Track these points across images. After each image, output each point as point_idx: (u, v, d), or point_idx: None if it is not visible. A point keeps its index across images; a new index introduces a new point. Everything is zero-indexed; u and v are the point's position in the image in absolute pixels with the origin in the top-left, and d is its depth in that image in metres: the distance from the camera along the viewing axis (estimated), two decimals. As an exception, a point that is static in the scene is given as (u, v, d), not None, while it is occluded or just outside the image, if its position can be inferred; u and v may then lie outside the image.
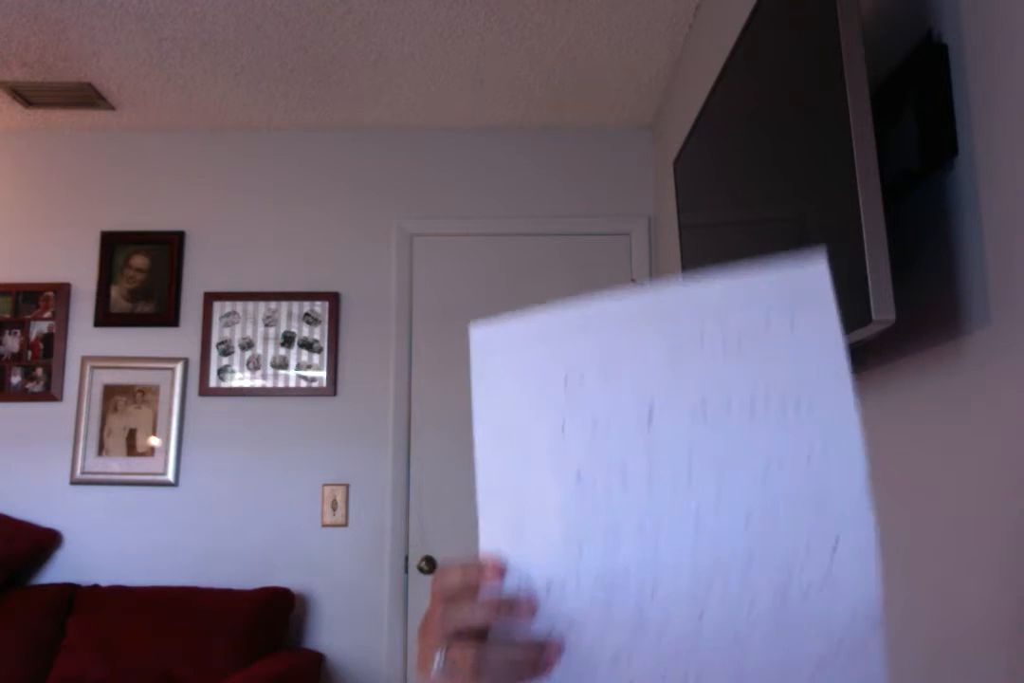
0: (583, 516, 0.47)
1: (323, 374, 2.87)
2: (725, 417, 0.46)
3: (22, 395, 2.89)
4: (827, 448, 0.46)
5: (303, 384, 2.87)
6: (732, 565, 0.46)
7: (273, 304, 2.92)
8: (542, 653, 0.48)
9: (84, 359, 2.91)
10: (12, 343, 2.93)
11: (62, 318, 2.93)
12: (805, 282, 0.46)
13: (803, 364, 0.46)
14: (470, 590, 0.49)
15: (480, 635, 0.49)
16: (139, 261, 2.98)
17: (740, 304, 0.47)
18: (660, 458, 0.47)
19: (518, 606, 0.48)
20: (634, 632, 0.47)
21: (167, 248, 2.97)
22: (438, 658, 0.48)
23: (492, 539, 0.49)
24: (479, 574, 0.48)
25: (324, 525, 2.79)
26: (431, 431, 2.83)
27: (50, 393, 2.88)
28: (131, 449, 2.85)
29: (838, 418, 0.45)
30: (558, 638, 0.48)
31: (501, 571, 0.48)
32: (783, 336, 0.46)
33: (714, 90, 1.53)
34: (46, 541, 2.75)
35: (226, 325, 2.92)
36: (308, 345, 2.90)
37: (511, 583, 0.48)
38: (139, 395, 2.88)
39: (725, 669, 0.48)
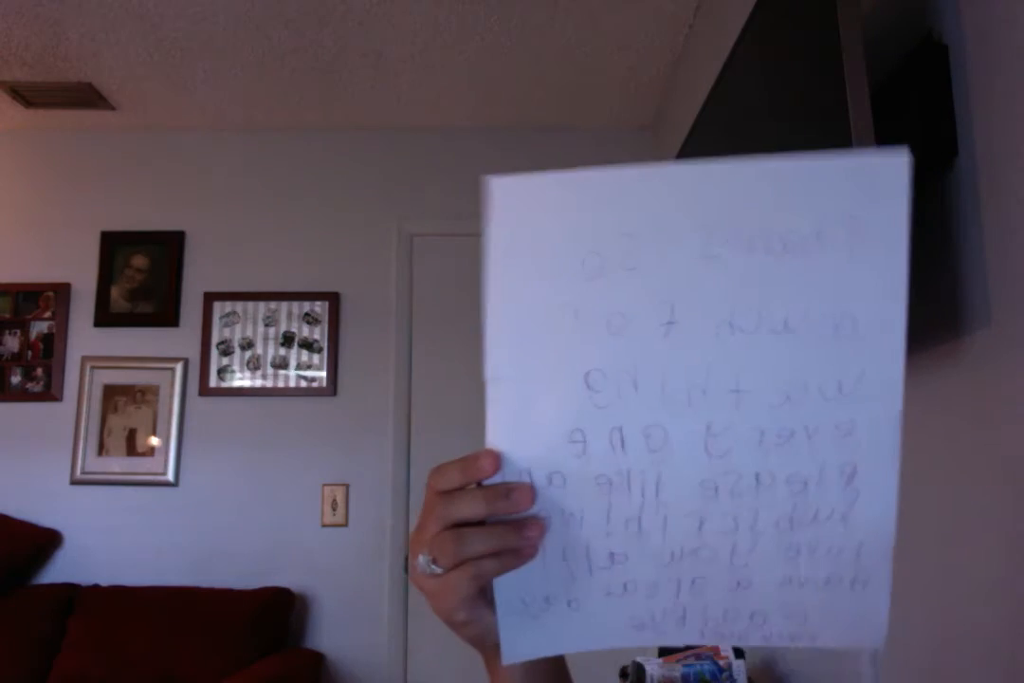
0: (590, 414, 0.44)
1: (323, 374, 2.87)
2: (753, 331, 0.42)
3: (22, 395, 2.89)
4: (862, 379, 0.42)
5: (303, 384, 2.87)
6: (739, 483, 0.45)
7: (273, 304, 2.92)
8: (523, 533, 0.46)
9: (84, 359, 2.91)
10: (12, 343, 2.93)
11: (62, 318, 2.93)
12: (876, 184, 0.41)
13: (852, 286, 0.41)
14: (465, 484, 0.46)
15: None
16: (139, 261, 2.98)
17: (792, 203, 0.41)
18: (676, 368, 0.43)
19: (515, 495, 0.45)
20: (631, 535, 0.46)
21: (167, 248, 2.97)
22: (421, 557, 0.46)
23: (497, 429, 0.45)
24: (476, 468, 0.45)
25: (324, 525, 2.79)
26: (431, 431, 2.83)
27: (50, 393, 2.88)
28: (131, 449, 2.85)
29: (882, 349, 0.42)
30: (540, 519, 0.46)
31: (498, 465, 0.45)
32: (835, 253, 0.41)
33: (714, 90, 1.53)
34: (46, 541, 2.75)
35: (226, 325, 2.92)
36: (308, 345, 2.90)
37: (511, 477, 0.45)
38: (139, 395, 2.88)
39: (722, 580, 0.47)
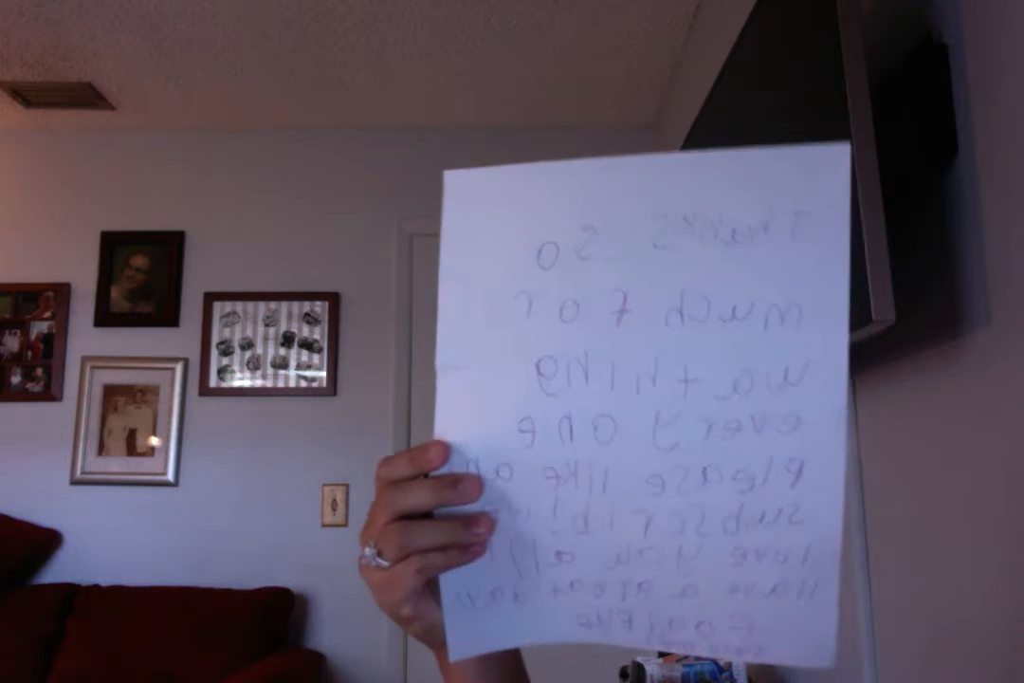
0: (538, 404, 0.45)
1: (323, 374, 2.87)
2: (702, 319, 0.43)
3: (22, 395, 2.89)
4: (808, 368, 0.43)
5: (303, 384, 2.87)
6: (686, 478, 0.44)
7: (273, 304, 2.92)
8: (471, 529, 0.45)
9: (84, 359, 2.91)
10: (12, 343, 2.93)
11: (62, 318, 2.93)
12: (819, 174, 0.42)
13: (798, 276, 0.42)
14: (414, 476, 0.46)
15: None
16: (139, 261, 2.98)
17: (741, 193, 0.42)
18: (626, 355, 0.44)
19: (462, 485, 0.45)
20: (578, 533, 0.46)
21: (167, 248, 2.97)
22: (367, 549, 0.45)
23: (446, 419, 0.46)
24: (424, 459, 0.45)
25: (324, 525, 2.79)
26: (431, 431, 2.82)
27: (50, 393, 2.88)
28: (131, 449, 2.85)
29: (826, 339, 0.42)
30: (490, 516, 0.46)
31: (446, 455, 0.45)
32: (781, 243, 0.42)
33: (714, 90, 1.53)
34: (46, 541, 2.75)
35: (226, 325, 2.92)
36: (308, 345, 2.90)
37: (458, 468, 0.45)
38: (139, 395, 2.88)
39: (669, 586, 0.46)
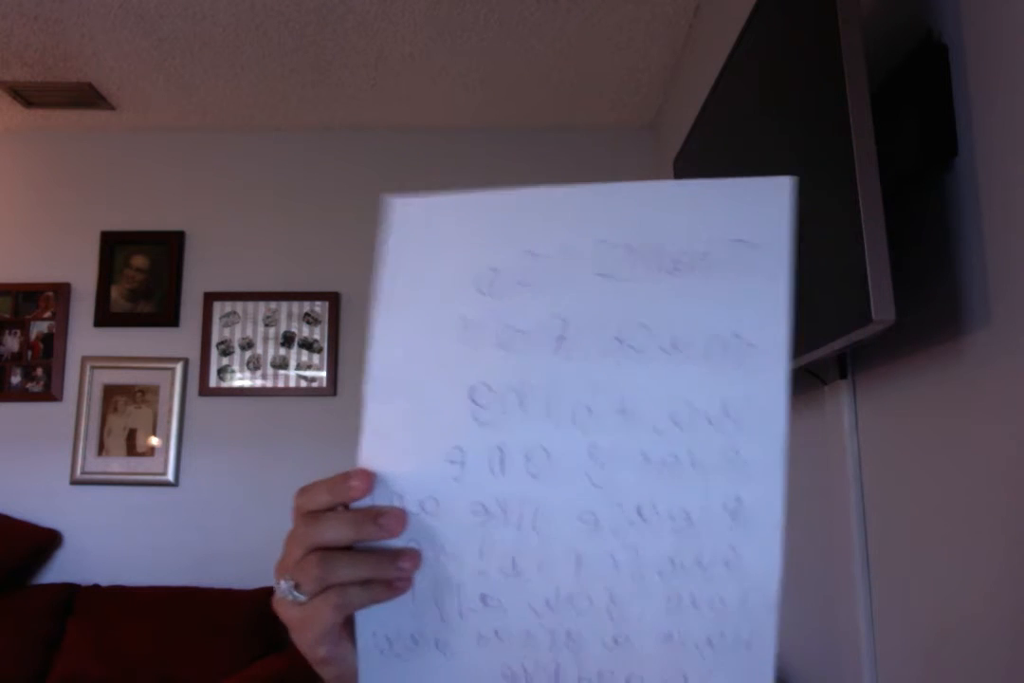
0: (471, 431, 0.43)
1: (323, 374, 2.87)
2: (642, 349, 0.42)
3: (22, 395, 2.89)
4: (747, 402, 0.42)
5: (303, 384, 2.87)
6: (620, 515, 0.43)
7: (273, 304, 2.92)
8: (396, 563, 0.42)
9: (84, 359, 2.91)
10: (12, 343, 2.93)
11: (62, 318, 2.93)
12: (761, 207, 0.42)
13: (739, 307, 0.42)
14: (333, 507, 0.43)
15: None
16: (139, 261, 2.98)
17: (683, 224, 0.42)
18: (564, 384, 0.42)
19: (384, 520, 0.42)
20: (506, 575, 0.43)
21: (167, 248, 2.97)
22: (283, 583, 0.43)
23: (373, 444, 0.43)
24: (345, 488, 0.42)
25: (324, 525, 2.78)
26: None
27: (50, 393, 2.88)
28: (131, 449, 2.85)
29: (766, 371, 0.42)
30: (416, 551, 0.43)
31: (370, 485, 0.42)
32: (722, 273, 0.42)
33: (714, 90, 1.53)
34: (46, 541, 2.75)
35: (226, 325, 2.92)
36: (308, 345, 2.90)
37: (382, 500, 0.43)
38: (139, 395, 2.88)
39: (599, 634, 0.44)
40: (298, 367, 2.89)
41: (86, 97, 2.78)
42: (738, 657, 0.43)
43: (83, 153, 3.06)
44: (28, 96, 2.77)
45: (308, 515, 0.43)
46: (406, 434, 0.43)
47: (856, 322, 0.91)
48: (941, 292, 0.98)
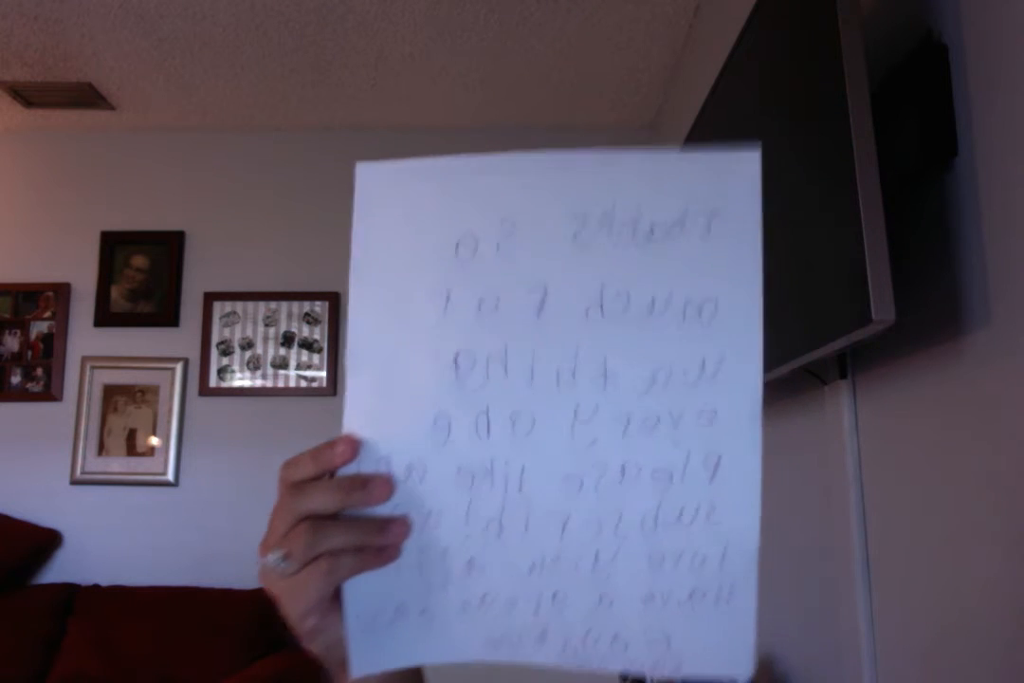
0: (455, 399, 0.43)
1: (323, 374, 2.87)
2: (621, 313, 0.43)
3: (22, 395, 2.89)
4: (723, 362, 0.43)
5: (303, 384, 2.87)
6: (603, 475, 0.44)
7: (273, 304, 2.92)
8: (387, 529, 0.42)
9: (84, 359, 2.91)
10: (12, 343, 2.93)
11: (62, 318, 2.93)
12: (732, 177, 0.43)
13: (712, 271, 0.43)
14: (319, 475, 0.43)
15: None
16: (139, 261, 2.98)
17: (657, 193, 0.43)
18: (546, 349, 0.43)
19: (371, 486, 0.42)
20: (491, 538, 0.44)
21: (167, 248, 2.97)
22: (271, 555, 0.42)
23: (356, 414, 0.44)
24: (330, 454, 0.42)
25: (324, 525, 2.78)
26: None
27: (50, 393, 2.88)
28: (131, 449, 2.85)
29: (740, 332, 0.43)
30: (406, 518, 0.43)
31: (355, 450, 0.42)
32: (696, 239, 0.43)
33: (714, 90, 1.53)
34: (46, 541, 2.75)
35: (226, 325, 2.92)
36: (308, 345, 2.90)
37: (368, 466, 0.43)
38: (139, 395, 2.88)
39: (585, 594, 0.45)
40: (298, 367, 2.89)
41: (86, 97, 2.78)
42: (719, 613, 0.44)
43: (83, 153, 3.06)
44: (28, 96, 2.77)
45: (294, 486, 0.43)
46: (389, 401, 0.44)
47: (856, 322, 0.91)
48: (941, 292, 0.98)
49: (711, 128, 1.59)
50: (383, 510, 0.44)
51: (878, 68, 1.05)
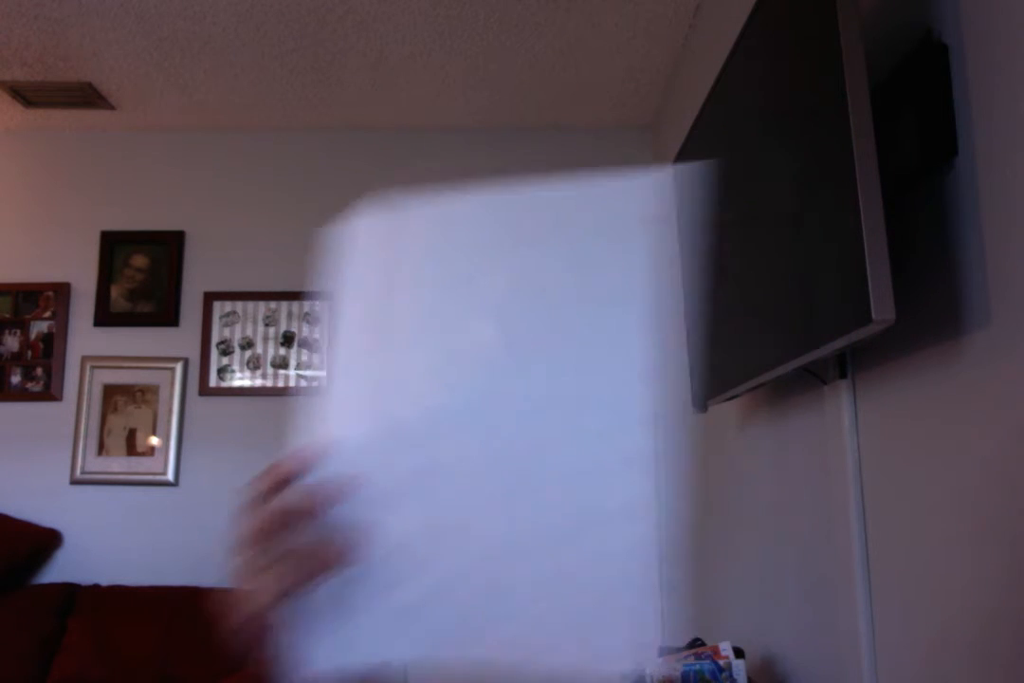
0: (392, 413, 0.47)
1: (323, 374, 2.87)
2: (532, 311, 0.47)
3: (22, 395, 2.89)
4: (626, 350, 0.46)
5: (303, 384, 2.87)
6: (526, 482, 0.45)
7: (273, 304, 2.92)
8: (350, 534, 0.44)
9: (84, 359, 2.91)
10: (12, 343, 2.93)
11: (62, 318, 2.93)
12: (656, 194, 0.48)
13: (629, 274, 0.47)
14: (288, 481, 0.46)
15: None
16: (139, 261, 2.98)
17: (592, 209, 0.50)
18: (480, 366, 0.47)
19: (330, 490, 0.44)
20: (436, 532, 0.46)
21: (167, 248, 2.97)
22: (246, 554, 0.44)
23: (320, 427, 0.49)
24: (294, 467, 0.45)
25: (324, 525, 2.79)
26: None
27: (50, 393, 2.88)
28: (131, 449, 2.85)
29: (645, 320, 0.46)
30: (368, 526, 0.45)
31: (318, 460, 0.46)
32: (617, 250, 0.48)
33: (714, 90, 1.53)
34: (46, 541, 2.75)
35: (226, 325, 2.92)
36: (308, 345, 2.90)
37: (331, 473, 0.46)
38: (139, 395, 2.88)
39: (505, 593, 0.45)
40: (298, 367, 2.89)
41: (86, 97, 2.78)
42: (627, 603, 0.44)
43: (83, 153, 3.06)
44: (28, 96, 2.77)
45: (267, 491, 0.46)
46: (352, 413, 0.48)
47: (856, 322, 0.91)
48: (941, 292, 0.98)
49: (711, 128, 1.59)
50: (341, 515, 0.45)
51: (878, 68, 1.05)
